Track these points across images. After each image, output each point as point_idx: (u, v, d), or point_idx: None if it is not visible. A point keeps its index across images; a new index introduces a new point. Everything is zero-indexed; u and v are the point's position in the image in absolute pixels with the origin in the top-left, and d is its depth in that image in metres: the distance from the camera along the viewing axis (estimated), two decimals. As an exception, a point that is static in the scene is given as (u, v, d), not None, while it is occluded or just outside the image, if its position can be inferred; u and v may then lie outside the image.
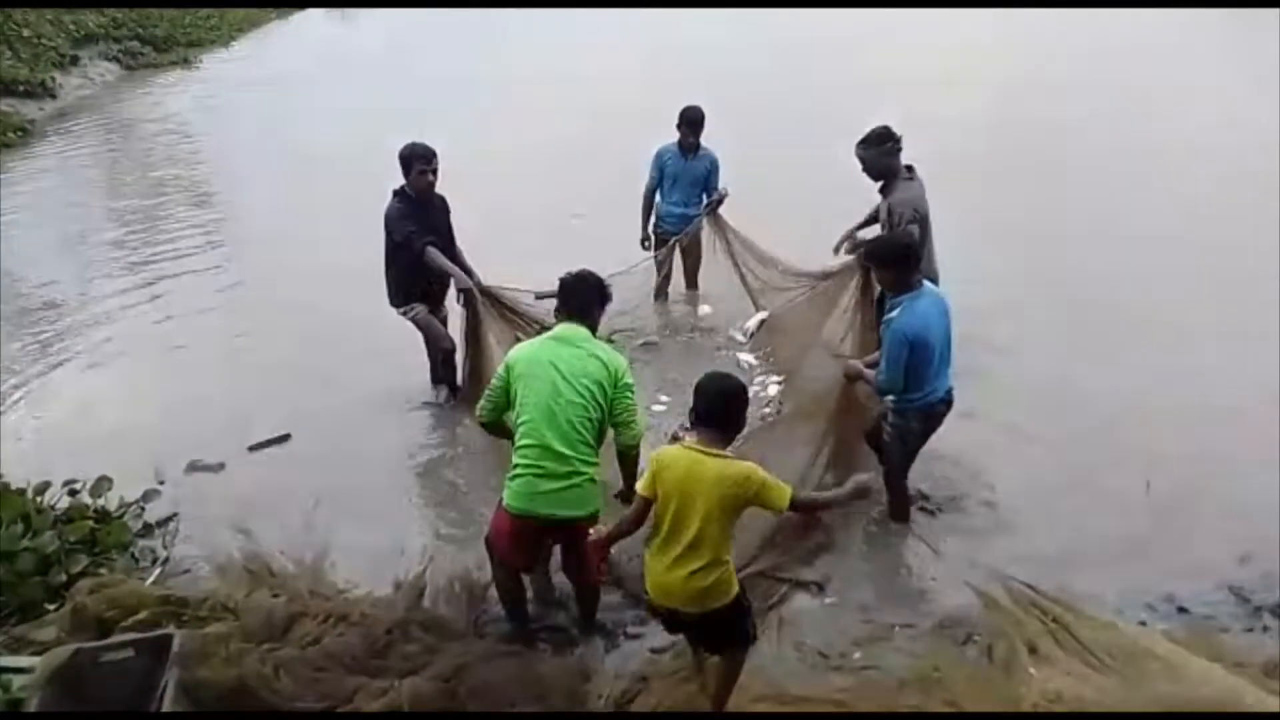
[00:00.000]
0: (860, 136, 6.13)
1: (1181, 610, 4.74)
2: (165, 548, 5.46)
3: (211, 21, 23.70)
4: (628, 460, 4.45)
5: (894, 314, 4.92)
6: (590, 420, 4.21)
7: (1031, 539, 5.25)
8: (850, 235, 6.60)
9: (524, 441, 4.21)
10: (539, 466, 4.16)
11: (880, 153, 6.09)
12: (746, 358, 7.31)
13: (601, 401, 4.23)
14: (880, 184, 6.21)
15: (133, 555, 5.30)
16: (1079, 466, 5.87)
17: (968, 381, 6.58)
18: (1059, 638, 4.15)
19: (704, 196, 7.87)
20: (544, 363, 4.21)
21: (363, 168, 12.38)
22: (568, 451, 4.16)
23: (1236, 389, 6.47)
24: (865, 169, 6.19)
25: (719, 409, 3.73)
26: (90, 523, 5.32)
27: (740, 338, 7.42)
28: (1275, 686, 3.83)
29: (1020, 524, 5.41)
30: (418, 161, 6.20)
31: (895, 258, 5.01)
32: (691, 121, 7.64)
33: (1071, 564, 4.98)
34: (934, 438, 5.41)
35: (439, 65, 19.30)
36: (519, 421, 4.23)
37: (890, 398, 5.14)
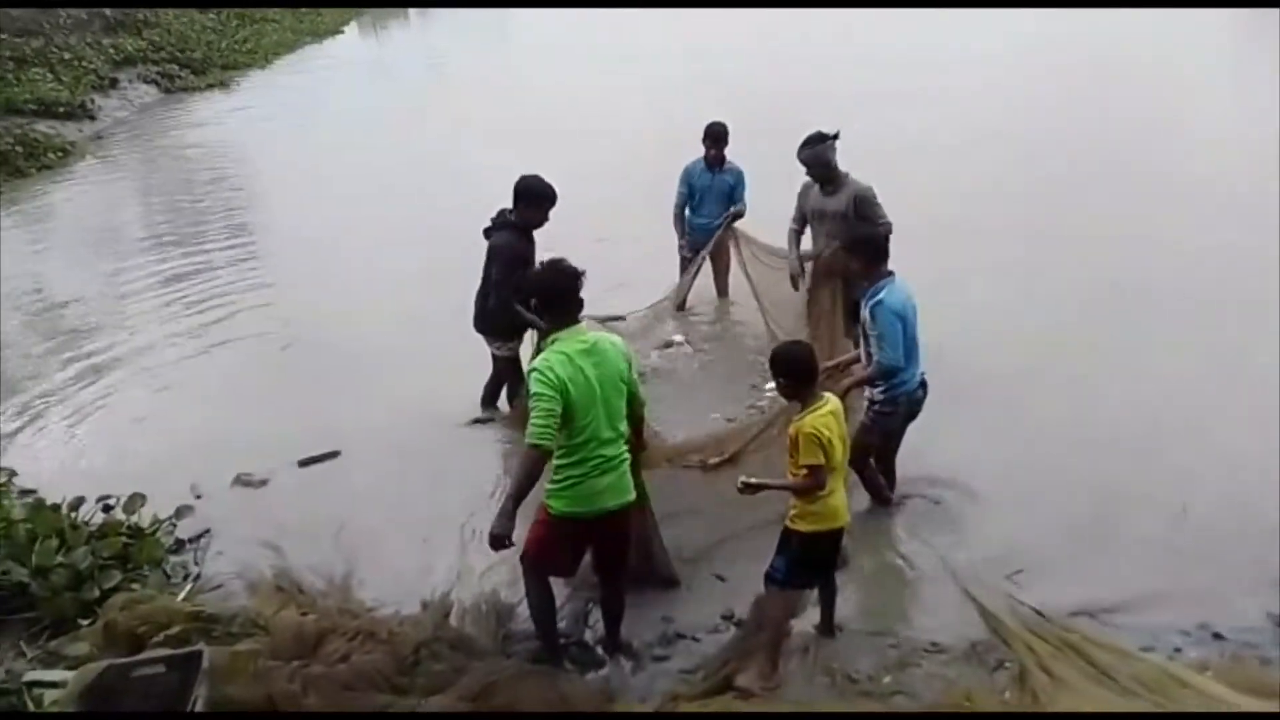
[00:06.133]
0: (801, 143, 6.61)
1: (1218, 637, 4.64)
2: (197, 564, 5.52)
3: (248, 45, 24.06)
4: (639, 415, 4.67)
5: (880, 295, 5.17)
6: (622, 405, 4.35)
7: (1063, 563, 5.18)
8: (803, 256, 7.05)
9: (581, 442, 4.21)
10: (599, 460, 4.24)
11: (826, 148, 6.58)
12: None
13: (626, 387, 4.37)
14: (822, 181, 6.71)
15: (165, 571, 5.35)
16: (1111, 489, 5.77)
17: (991, 396, 6.64)
18: (1074, 663, 4.13)
19: (727, 207, 8.03)
20: (587, 380, 4.19)
21: (398, 186, 12.72)
22: (613, 436, 4.28)
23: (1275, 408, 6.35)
24: (814, 168, 6.70)
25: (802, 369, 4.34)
26: (123, 538, 5.38)
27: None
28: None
29: (1050, 547, 5.32)
30: (548, 201, 6.27)
31: (878, 249, 5.36)
32: (715, 136, 7.88)
33: (1105, 588, 4.91)
34: (962, 455, 5.54)
35: (466, 90, 19.49)
36: (574, 435, 4.21)
37: (880, 390, 5.32)
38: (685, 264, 8.24)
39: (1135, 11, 21.69)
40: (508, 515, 4.11)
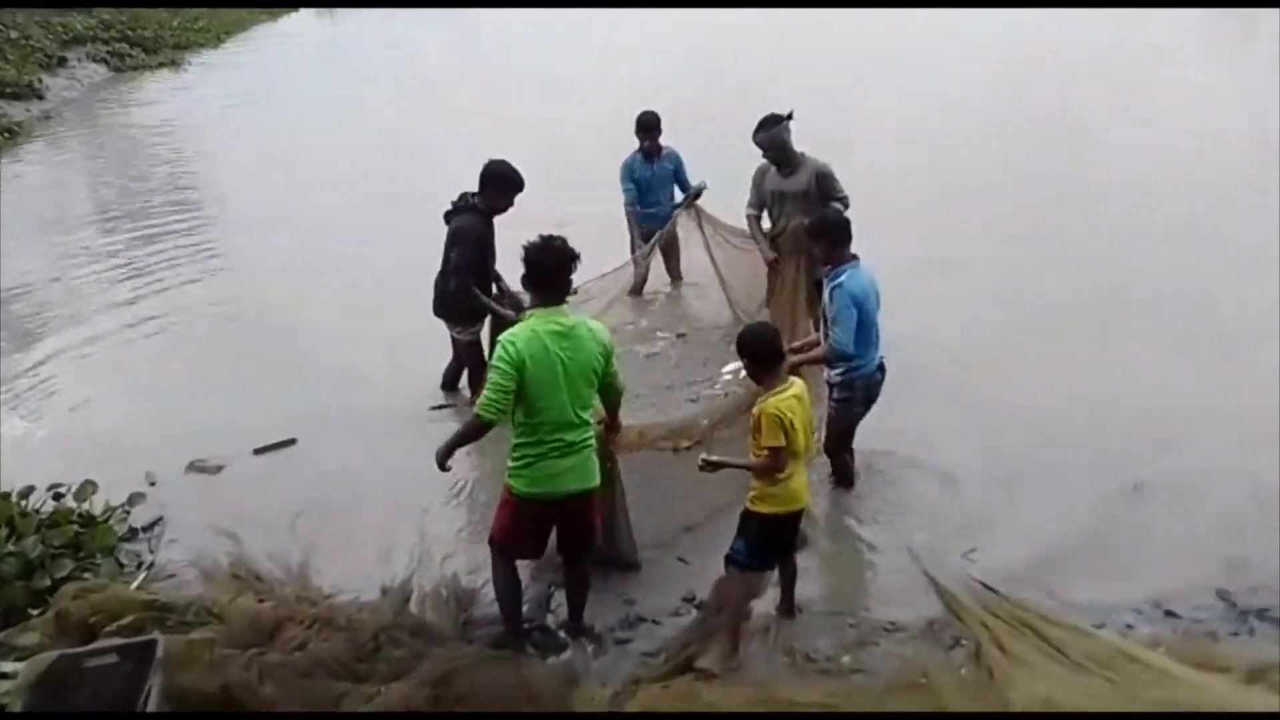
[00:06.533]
0: (756, 126, 6.66)
1: (1169, 614, 4.73)
2: (151, 552, 5.43)
3: (200, 24, 23.65)
4: (615, 404, 4.68)
5: (841, 278, 5.23)
6: (591, 396, 4.35)
7: (1015, 541, 5.25)
8: (767, 234, 7.07)
9: (539, 423, 4.21)
10: (557, 442, 4.22)
11: (781, 129, 6.63)
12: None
13: (600, 375, 4.34)
14: (779, 163, 6.74)
15: (118, 560, 5.26)
16: (1064, 471, 5.86)
17: (958, 383, 6.71)
18: (1028, 639, 4.19)
19: (676, 193, 8.09)
20: (552, 362, 4.15)
21: (354, 167, 12.59)
22: (578, 422, 4.26)
23: (1224, 396, 6.48)
24: (769, 150, 6.73)
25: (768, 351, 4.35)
26: (75, 527, 5.29)
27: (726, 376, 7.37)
28: (1258, 690, 3.84)
29: (1006, 527, 5.40)
30: (515, 189, 6.26)
31: (842, 232, 5.37)
32: (649, 126, 7.93)
33: (1057, 566, 5.00)
34: (924, 438, 5.70)
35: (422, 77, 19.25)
36: (532, 415, 4.20)
37: (837, 371, 5.40)
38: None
39: (1132, 12, 21.87)
40: (444, 450, 4.37)
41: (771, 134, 6.65)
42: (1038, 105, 14.67)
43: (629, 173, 8.06)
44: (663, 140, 8.05)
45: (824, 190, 6.64)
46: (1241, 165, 11.21)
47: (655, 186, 8.07)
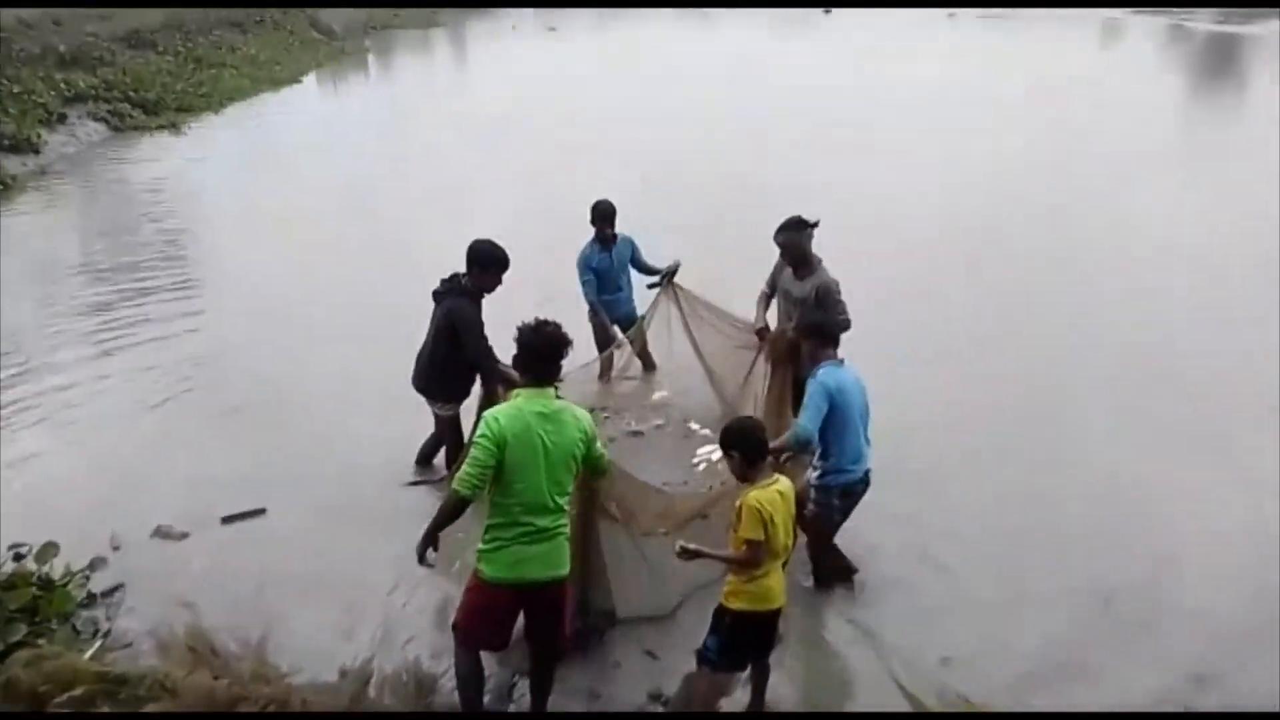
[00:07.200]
0: (780, 225, 6.66)
1: (1136, 721, 4.71)
2: (108, 619, 5.33)
3: (204, 89, 23.93)
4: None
5: (818, 373, 5.31)
6: (569, 483, 4.36)
7: (991, 645, 5.23)
8: (766, 324, 7.00)
9: (512, 504, 4.21)
10: (529, 526, 4.20)
11: (802, 236, 6.64)
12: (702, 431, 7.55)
13: (579, 462, 4.37)
14: (795, 264, 6.73)
15: (74, 626, 5.15)
16: (1037, 576, 5.86)
17: (921, 486, 6.70)
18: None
19: (634, 275, 8.10)
20: (534, 442, 4.19)
21: (333, 232, 12.67)
22: (553, 507, 4.25)
23: (1196, 507, 6.52)
24: (787, 252, 6.74)
25: (754, 445, 4.34)
26: (33, 589, 5.17)
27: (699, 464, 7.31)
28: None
29: (980, 630, 5.37)
30: (501, 268, 6.28)
31: (826, 334, 5.56)
32: (606, 215, 7.91)
33: (1029, 675, 4.98)
34: (900, 540, 5.72)
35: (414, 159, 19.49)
36: (508, 495, 4.20)
37: (817, 474, 5.41)
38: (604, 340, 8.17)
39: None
40: (423, 541, 4.35)
41: (791, 237, 6.64)
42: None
43: (587, 264, 7.97)
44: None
45: (822, 304, 6.55)
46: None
47: (614, 273, 8.04)
